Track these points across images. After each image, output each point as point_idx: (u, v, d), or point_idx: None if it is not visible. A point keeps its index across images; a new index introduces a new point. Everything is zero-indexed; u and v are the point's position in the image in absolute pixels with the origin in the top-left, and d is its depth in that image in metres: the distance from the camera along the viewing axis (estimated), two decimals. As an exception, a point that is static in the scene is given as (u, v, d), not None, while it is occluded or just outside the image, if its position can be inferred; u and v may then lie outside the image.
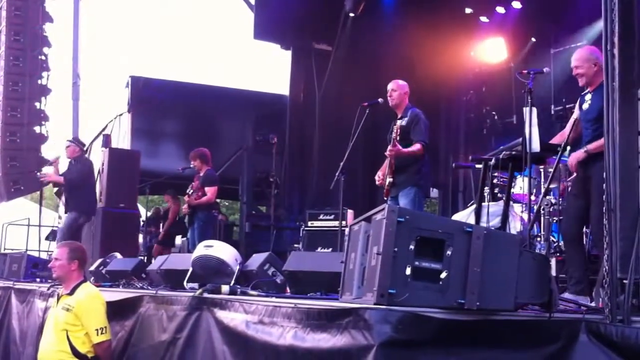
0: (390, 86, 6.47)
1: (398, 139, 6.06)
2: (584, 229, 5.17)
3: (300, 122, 11.93)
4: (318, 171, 11.50)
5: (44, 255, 10.00)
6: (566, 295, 4.36)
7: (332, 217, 8.21)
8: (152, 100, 11.83)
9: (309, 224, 8.55)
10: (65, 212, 8.77)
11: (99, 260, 7.02)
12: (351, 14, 11.24)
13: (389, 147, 6.09)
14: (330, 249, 7.40)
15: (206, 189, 8.51)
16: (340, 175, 6.41)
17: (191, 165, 9.53)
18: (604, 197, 2.97)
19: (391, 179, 6.23)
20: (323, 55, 11.90)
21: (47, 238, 11.47)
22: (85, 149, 9.15)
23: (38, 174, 8.97)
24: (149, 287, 5.61)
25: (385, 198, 6.35)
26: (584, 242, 5.43)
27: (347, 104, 8.73)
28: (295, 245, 9.18)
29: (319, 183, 11.21)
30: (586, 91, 4.83)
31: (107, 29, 43.24)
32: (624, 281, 2.88)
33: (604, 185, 2.98)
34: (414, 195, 6.19)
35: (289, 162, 11.76)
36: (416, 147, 6.20)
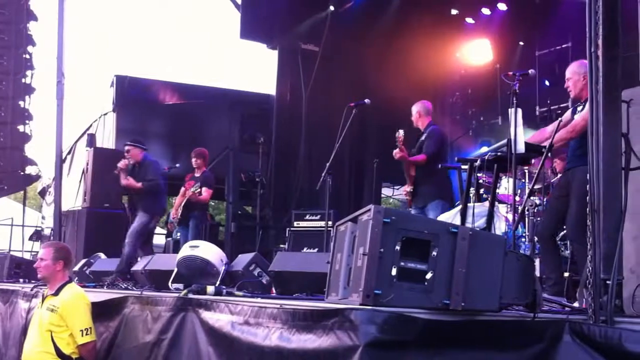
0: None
1: (402, 144, 6.45)
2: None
3: (287, 122, 11.91)
4: (304, 171, 11.50)
5: (27, 256, 9.93)
6: (544, 296, 4.40)
7: (317, 217, 8.21)
8: (137, 99, 11.77)
9: (295, 224, 8.56)
10: (134, 214, 8.21)
11: (83, 261, 6.99)
12: (331, 7, 11.29)
13: (395, 151, 6.50)
14: (316, 250, 7.40)
15: (203, 189, 8.51)
16: (327, 175, 6.42)
17: (177, 165, 9.49)
18: (587, 198, 2.99)
19: (410, 189, 6.72)
20: (310, 56, 11.89)
21: (30, 238, 11.38)
22: (145, 147, 8.47)
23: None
24: (134, 288, 5.59)
25: (409, 208, 6.82)
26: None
27: (333, 104, 8.76)
28: (281, 246, 9.18)
29: (305, 183, 11.21)
30: (579, 103, 4.90)
31: (93, 27, 43.02)
32: (607, 282, 2.90)
33: (588, 186, 3.00)
34: (441, 209, 6.53)
35: (275, 162, 11.74)
36: (420, 157, 6.71)
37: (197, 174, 8.80)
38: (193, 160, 8.81)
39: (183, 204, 8.53)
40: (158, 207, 8.14)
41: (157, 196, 8.00)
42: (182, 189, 8.70)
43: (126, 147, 8.06)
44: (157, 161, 8.38)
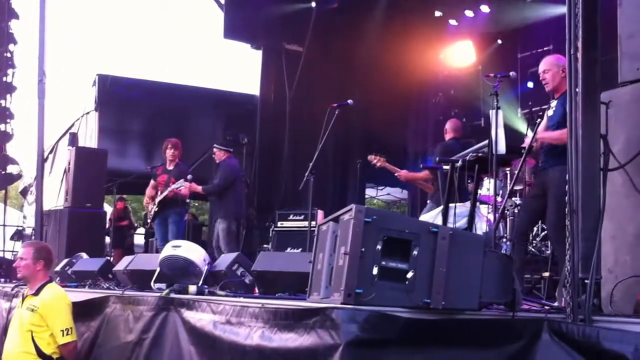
0: None
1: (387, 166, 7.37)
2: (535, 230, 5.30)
3: (271, 123, 11.91)
4: (288, 171, 11.50)
5: (8, 256, 9.84)
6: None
7: (301, 217, 8.22)
8: (119, 98, 11.71)
9: (279, 224, 8.55)
10: (215, 220, 8.45)
11: (65, 261, 6.93)
12: (313, 4, 11.34)
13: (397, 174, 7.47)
14: (300, 249, 7.41)
15: (185, 184, 8.32)
16: (310, 175, 6.43)
17: (159, 165, 9.39)
18: (566, 198, 3.02)
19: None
20: (294, 56, 11.90)
21: (12, 238, 11.29)
22: (230, 150, 8.69)
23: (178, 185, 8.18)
24: (116, 288, 5.56)
25: None
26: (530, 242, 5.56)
27: (317, 104, 8.75)
28: (265, 246, 9.17)
29: (289, 183, 11.20)
30: (552, 99, 4.94)
31: (75, 26, 42.72)
32: (586, 281, 2.93)
33: (567, 187, 3.03)
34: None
35: (259, 163, 11.73)
36: (424, 172, 7.36)
37: (170, 167, 8.46)
38: (170, 151, 8.46)
39: (159, 200, 8.25)
40: (237, 209, 8.38)
41: (231, 199, 8.28)
42: (152, 182, 8.49)
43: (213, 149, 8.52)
44: (231, 164, 8.53)
